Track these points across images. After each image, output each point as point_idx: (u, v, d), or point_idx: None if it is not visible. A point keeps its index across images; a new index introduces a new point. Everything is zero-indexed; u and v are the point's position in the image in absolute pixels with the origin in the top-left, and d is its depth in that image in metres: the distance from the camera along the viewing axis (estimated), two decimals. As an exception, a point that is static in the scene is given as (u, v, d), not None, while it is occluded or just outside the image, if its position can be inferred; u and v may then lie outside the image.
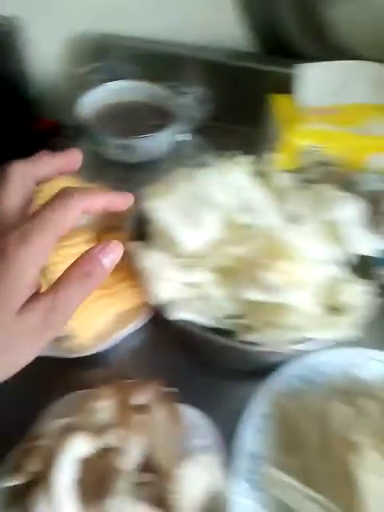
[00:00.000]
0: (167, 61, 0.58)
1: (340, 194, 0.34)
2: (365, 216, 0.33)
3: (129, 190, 0.25)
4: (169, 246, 0.32)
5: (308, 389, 0.36)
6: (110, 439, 0.29)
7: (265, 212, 0.32)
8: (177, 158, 0.54)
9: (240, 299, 0.30)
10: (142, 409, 0.31)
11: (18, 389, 0.29)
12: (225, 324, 0.31)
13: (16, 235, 0.20)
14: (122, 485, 0.27)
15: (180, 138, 0.55)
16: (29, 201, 0.24)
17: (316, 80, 0.46)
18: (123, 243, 0.23)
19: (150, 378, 0.33)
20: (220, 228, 0.31)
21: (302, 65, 0.46)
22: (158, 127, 0.52)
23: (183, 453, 0.30)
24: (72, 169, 0.26)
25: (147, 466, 0.30)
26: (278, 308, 0.29)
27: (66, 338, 0.34)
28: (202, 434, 0.32)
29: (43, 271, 0.31)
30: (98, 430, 0.29)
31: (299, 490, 0.29)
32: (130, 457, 0.29)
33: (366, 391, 0.35)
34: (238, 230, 0.31)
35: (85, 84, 0.56)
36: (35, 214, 0.21)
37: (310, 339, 0.29)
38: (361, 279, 0.31)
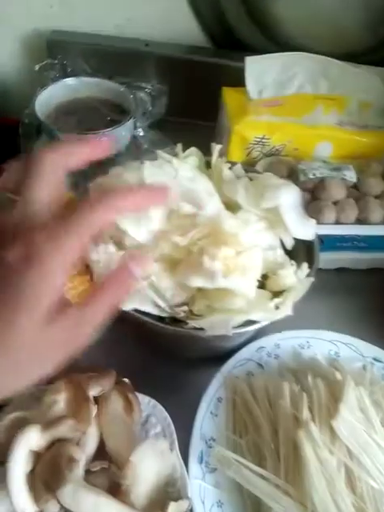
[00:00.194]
0: (121, 56, 0.58)
1: (281, 182, 0.35)
2: (304, 203, 0.35)
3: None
4: (116, 238, 0.32)
5: (261, 372, 0.38)
6: (64, 430, 0.30)
7: (208, 202, 0.33)
8: (134, 153, 0.54)
9: (186, 287, 0.31)
10: (97, 400, 0.32)
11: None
12: (174, 312, 0.32)
13: (45, 235, 0.19)
14: (76, 473, 0.28)
15: (137, 132, 0.55)
16: (59, 193, 0.22)
17: (262, 72, 0.47)
18: None
19: (106, 369, 0.34)
20: (165, 219, 0.32)
21: (248, 57, 0.47)
22: (114, 123, 0.52)
23: (137, 440, 0.31)
24: (103, 155, 0.24)
25: (102, 454, 0.31)
26: (222, 293, 0.30)
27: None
28: (156, 422, 0.34)
29: None
30: (53, 422, 0.30)
31: (250, 468, 0.31)
32: (85, 446, 0.30)
33: (315, 370, 0.36)
34: (182, 220, 0.32)
35: (40, 81, 0.56)
36: (66, 217, 0.20)
37: (252, 321, 0.30)
38: (299, 263, 0.33)
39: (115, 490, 0.29)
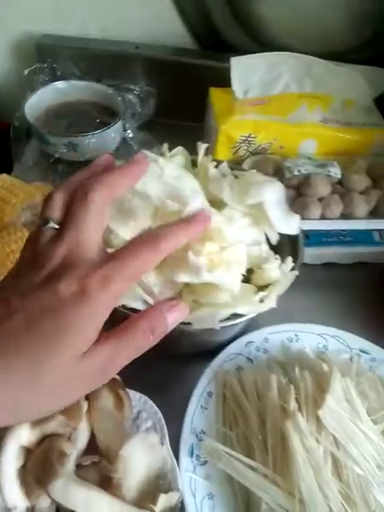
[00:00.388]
0: (110, 59, 0.59)
1: (265, 178, 0.36)
2: (290, 199, 0.35)
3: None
4: (103, 236, 0.33)
5: (250, 366, 0.38)
6: (55, 426, 0.30)
7: (193, 200, 0.33)
8: (124, 155, 0.55)
9: (173, 283, 0.32)
10: (88, 396, 0.33)
11: None
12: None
13: (99, 275, 0.20)
14: (67, 468, 0.29)
15: (126, 134, 0.56)
16: (104, 226, 0.23)
17: (248, 72, 0.48)
18: None
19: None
20: (151, 217, 0.33)
21: (233, 58, 0.48)
22: (104, 125, 0.53)
23: (128, 436, 0.32)
24: (142, 177, 0.25)
25: (93, 449, 0.31)
26: (208, 288, 0.31)
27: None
28: (147, 417, 0.34)
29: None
30: (43, 418, 0.30)
31: (239, 460, 0.31)
32: (76, 442, 0.31)
33: (302, 362, 0.37)
34: (167, 218, 0.32)
35: (30, 85, 0.56)
36: (117, 256, 0.21)
37: (238, 315, 0.31)
38: (284, 257, 0.33)
39: (106, 483, 0.29)
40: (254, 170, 0.37)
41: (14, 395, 0.19)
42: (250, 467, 0.31)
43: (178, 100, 0.58)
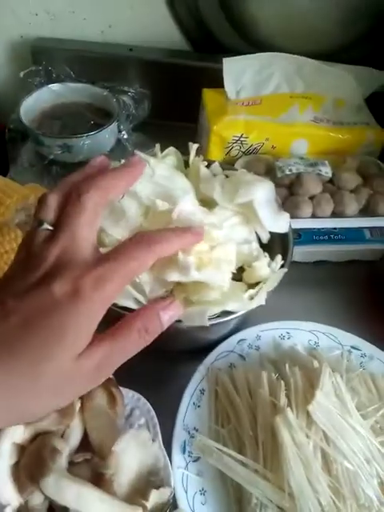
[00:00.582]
0: (104, 62, 0.59)
1: (255, 178, 0.36)
2: (281, 198, 0.36)
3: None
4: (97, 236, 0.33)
5: (243, 363, 0.39)
6: (48, 424, 0.31)
7: (184, 199, 0.34)
8: (118, 156, 0.55)
9: (164, 281, 0.32)
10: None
11: None
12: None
13: (93, 275, 0.20)
14: (59, 464, 0.29)
15: (121, 135, 0.56)
16: (98, 227, 0.23)
17: (240, 73, 0.48)
18: None
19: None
20: (142, 216, 0.33)
21: (226, 59, 0.48)
22: (99, 126, 0.53)
23: (120, 432, 0.32)
24: (137, 180, 0.25)
25: (86, 447, 0.32)
26: (198, 286, 0.31)
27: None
28: (140, 415, 0.35)
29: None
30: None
31: (231, 455, 0.32)
32: (69, 439, 0.31)
33: (293, 359, 0.38)
34: (158, 217, 0.33)
35: (26, 87, 0.57)
36: (111, 256, 0.21)
37: (228, 312, 0.31)
38: (275, 255, 0.34)
39: (98, 480, 0.30)
40: (245, 170, 0.37)
41: (10, 397, 0.19)
42: (241, 463, 0.31)
43: (172, 101, 0.58)
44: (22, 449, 0.30)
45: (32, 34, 0.61)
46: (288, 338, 0.40)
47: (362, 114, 0.49)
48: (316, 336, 0.40)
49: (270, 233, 0.35)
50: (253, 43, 0.53)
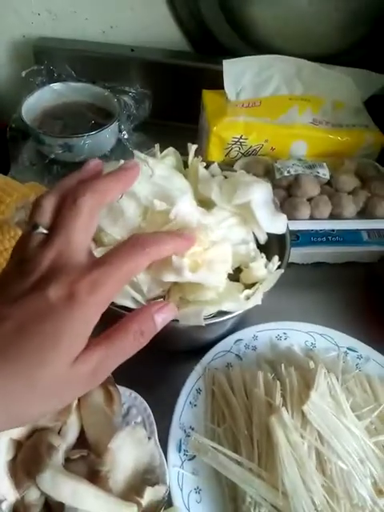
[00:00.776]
0: (106, 62, 0.60)
1: (253, 179, 0.36)
2: (279, 200, 0.36)
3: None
4: (94, 235, 0.34)
5: (239, 363, 0.39)
6: (45, 420, 0.31)
7: (182, 199, 0.34)
8: (119, 156, 0.56)
9: (161, 281, 0.33)
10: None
11: None
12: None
13: (86, 283, 0.20)
14: (55, 460, 0.29)
15: (122, 135, 0.57)
16: (94, 231, 0.23)
17: (240, 74, 0.48)
18: None
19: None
20: (141, 216, 0.34)
21: (226, 60, 0.49)
22: (99, 126, 0.54)
23: (116, 430, 0.32)
24: (133, 184, 0.25)
25: (82, 444, 0.32)
26: (194, 286, 0.32)
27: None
28: (136, 413, 0.35)
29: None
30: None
31: (226, 454, 0.32)
32: (66, 436, 0.31)
33: (290, 359, 0.38)
34: (156, 217, 0.33)
35: (27, 87, 0.57)
36: (106, 260, 0.21)
37: (225, 312, 0.32)
38: (271, 256, 0.34)
39: (94, 476, 0.30)
40: (243, 171, 0.37)
41: (7, 402, 0.19)
42: (236, 462, 0.32)
43: (172, 102, 0.59)
44: (19, 444, 0.30)
45: (34, 33, 0.61)
46: (285, 339, 0.40)
47: (360, 116, 0.49)
48: (313, 337, 0.40)
49: (268, 234, 0.36)
50: (254, 45, 0.53)
